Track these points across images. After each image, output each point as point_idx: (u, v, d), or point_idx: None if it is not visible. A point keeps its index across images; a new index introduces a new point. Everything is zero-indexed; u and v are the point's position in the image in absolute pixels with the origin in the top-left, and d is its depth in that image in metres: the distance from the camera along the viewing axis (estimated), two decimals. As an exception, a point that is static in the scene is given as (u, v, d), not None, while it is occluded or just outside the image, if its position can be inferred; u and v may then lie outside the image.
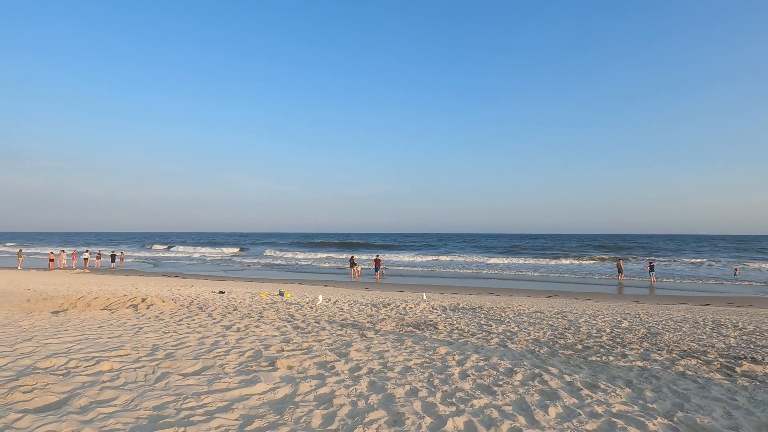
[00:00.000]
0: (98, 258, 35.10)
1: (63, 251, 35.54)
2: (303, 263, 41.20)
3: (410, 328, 7.75)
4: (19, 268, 30.08)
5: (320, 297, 12.15)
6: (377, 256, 28.48)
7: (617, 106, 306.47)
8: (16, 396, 3.51)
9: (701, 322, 9.79)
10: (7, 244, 75.39)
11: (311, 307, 10.51)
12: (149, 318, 7.96)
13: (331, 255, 51.92)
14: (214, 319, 8.13)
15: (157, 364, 4.67)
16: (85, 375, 4.20)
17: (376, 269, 26.36)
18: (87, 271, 29.15)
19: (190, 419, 3.21)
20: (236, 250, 64.75)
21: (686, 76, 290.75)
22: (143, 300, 9.83)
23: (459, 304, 12.15)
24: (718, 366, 5.42)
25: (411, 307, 11.02)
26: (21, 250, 34.29)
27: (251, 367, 4.74)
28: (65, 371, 4.30)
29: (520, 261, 42.27)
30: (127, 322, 7.38)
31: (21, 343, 5.50)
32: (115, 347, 5.44)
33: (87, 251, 36.36)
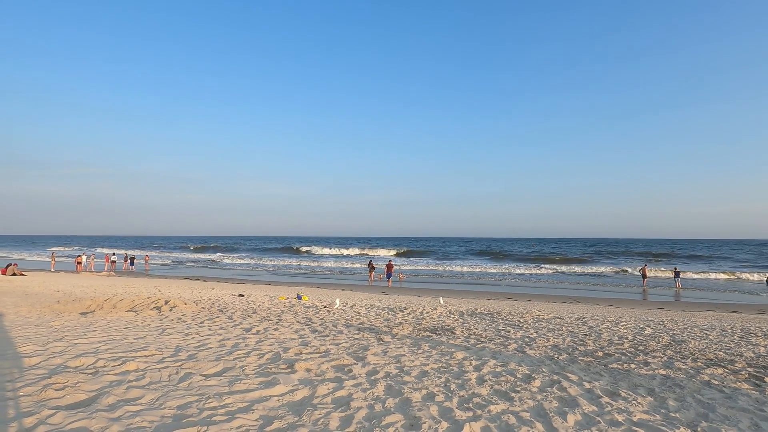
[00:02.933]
0: (126, 260, 36.19)
1: (87, 255, 36.88)
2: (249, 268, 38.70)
3: (427, 332, 7.74)
4: (52, 270, 31.54)
5: (337, 301, 12.25)
6: (390, 261, 28.23)
7: (624, 105, 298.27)
8: (49, 393, 3.68)
9: (729, 330, 9.47)
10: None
11: (329, 311, 10.61)
12: (172, 320, 8.18)
13: (291, 261, 48.14)
14: (234, 321, 8.30)
15: (180, 365, 4.82)
16: (113, 374, 4.37)
17: (389, 276, 25.97)
18: (112, 273, 30.08)
19: (212, 419, 3.31)
20: (216, 255, 61.28)
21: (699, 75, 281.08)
22: (166, 302, 10.11)
23: (476, 309, 12.06)
24: (746, 376, 5.25)
25: (428, 312, 11.00)
26: (54, 253, 35.88)
27: (270, 369, 4.84)
28: (94, 370, 4.48)
29: (541, 267, 41.57)
30: (151, 324, 7.61)
31: (52, 342, 5.74)
32: (140, 348, 5.62)
33: (114, 254, 37.58)
